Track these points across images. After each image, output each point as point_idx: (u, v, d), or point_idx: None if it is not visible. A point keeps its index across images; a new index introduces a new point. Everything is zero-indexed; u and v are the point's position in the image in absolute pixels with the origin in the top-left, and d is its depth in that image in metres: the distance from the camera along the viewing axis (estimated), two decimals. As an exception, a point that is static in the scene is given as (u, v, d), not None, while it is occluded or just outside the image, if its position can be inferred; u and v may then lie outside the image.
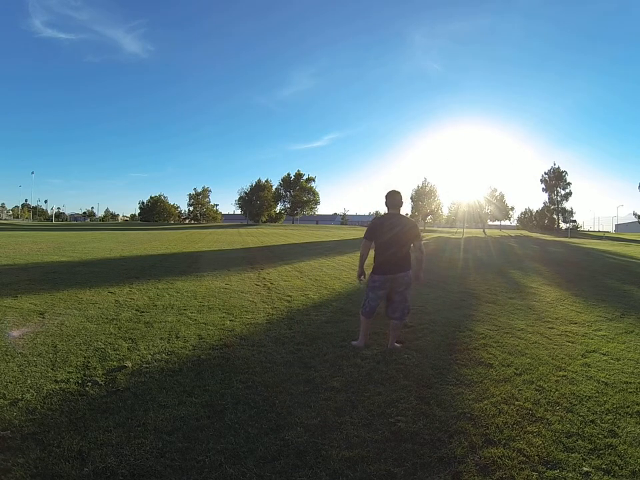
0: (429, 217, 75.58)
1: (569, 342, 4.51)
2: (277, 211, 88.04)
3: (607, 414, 2.78)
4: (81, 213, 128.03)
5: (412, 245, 3.79)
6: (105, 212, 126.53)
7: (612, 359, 3.97)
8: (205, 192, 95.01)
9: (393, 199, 3.85)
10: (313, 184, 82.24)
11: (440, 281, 8.93)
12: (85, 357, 3.55)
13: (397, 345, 4.05)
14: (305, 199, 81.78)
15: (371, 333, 4.50)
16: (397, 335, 3.98)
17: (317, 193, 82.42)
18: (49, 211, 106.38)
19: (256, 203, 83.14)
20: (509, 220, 76.47)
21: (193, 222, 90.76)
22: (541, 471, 2.12)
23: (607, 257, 18.09)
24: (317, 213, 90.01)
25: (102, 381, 3.07)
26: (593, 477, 2.09)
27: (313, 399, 2.86)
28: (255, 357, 3.70)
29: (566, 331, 4.97)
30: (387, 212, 3.95)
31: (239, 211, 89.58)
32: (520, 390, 3.14)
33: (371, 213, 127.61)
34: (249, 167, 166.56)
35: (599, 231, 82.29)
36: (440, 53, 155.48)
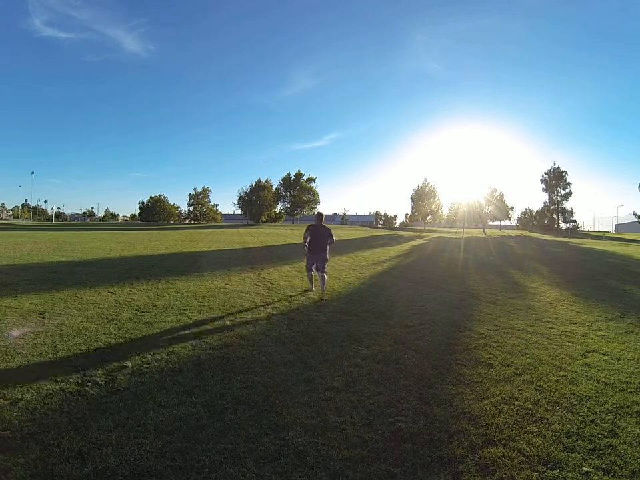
0: (429, 217, 75.60)
1: (569, 342, 4.51)
2: (277, 211, 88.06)
3: (607, 414, 2.78)
4: (81, 213, 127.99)
5: (328, 240, 6.84)
6: (104, 212, 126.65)
7: (612, 358, 3.98)
8: (205, 192, 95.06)
9: (318, 217, 7.07)
10: (313, 184, 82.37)
11: (440, 281, 8.93)
12: (85, 357, 3.55)
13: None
14: (305, 199, 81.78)
15: (370, 333, 4.56)
16: (324, 285, 6.68)
17: (317, 193, 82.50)
18: (48, 211, 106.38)
19: (256, 203, 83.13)
20: (509, 220, 76.52)
21: (192, 222, 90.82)
22: (541, 470, 2.13)
23: (607, 257, 18.09)
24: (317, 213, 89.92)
25: (102, 381, 3.07)
26: (593, 477, 2.09)
27: (313, 399, 2.86)
28: (254, 356, 3.70)
29: (566, 331, 4.97)
30: (315, 222, 6.97)
31: (238, 211, 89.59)
32: (520, 390, 3.14)
33: (371, 213, 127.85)
34: (249, 167, 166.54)
35: (598, 231, 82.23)
36: (441, 52, 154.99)
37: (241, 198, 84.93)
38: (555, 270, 11.99)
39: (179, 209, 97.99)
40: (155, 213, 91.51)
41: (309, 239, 6.81)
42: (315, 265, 6.83)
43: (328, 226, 7.03)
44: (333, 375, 3.30)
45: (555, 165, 71.11)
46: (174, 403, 2.72)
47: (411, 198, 73.68)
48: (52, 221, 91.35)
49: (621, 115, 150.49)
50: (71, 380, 3.06)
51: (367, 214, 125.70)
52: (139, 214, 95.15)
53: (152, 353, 3.69)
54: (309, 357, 3.72)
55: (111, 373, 3.23)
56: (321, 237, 6.77)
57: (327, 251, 6.85)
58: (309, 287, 7.18)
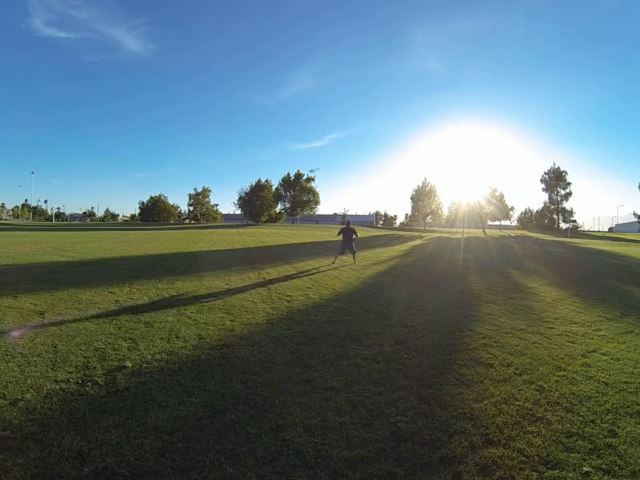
0: (429, 217, 75.59)
1: (569, 342, 4.51)
2: (277, 211, 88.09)
3: (607, 414, 2.78)
4: (81, 212, 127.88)
5: (353, 236, 11.87)
6: (105, 212, 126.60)
7: (612, 358, 3.98)
8: (205, 192, 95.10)
9: (347, 223, 12.26)
10: (312, 184, 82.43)
11: (440, 281, 8.93)
12: (85, 357, 3.56)
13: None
14: (305, 198, 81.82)
15: (370, 333, 4.57)
16: (355, 259, 12.04)
17: (317, 193, 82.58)
18: (48, 211, 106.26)
19: (256, 203, 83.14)
20: (509, 220, 76.50)
21: (192, 222, 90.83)
22: (541, 470, 2.12)
23: (607, 257, 18.09)
24: (316, 213, 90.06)
25: (102, 381, 3.07)
26: (593, 477, 2.09)
27: (313, 399, 2.86)
28: (255, 357, 3.70)
29: (566, 331, 4.97)
30: (345, 226, 12.09)
31: (238, 211, 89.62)
32: (520, 390, 3.14)
33: (371, 213, 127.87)
34: (249, 167, 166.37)
35: (598, 231, 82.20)
36: (442, 53, 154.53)
37: (241, 198, 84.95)
38: (554, 270, 11.99)
39: (179, 209, 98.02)
40: (155, 213, 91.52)
41: (341, 235, 11.83)
42: (346, 249, 11.74)
43: (352, 227, 12.25)
44: (332, 375, 3.30)
45: (554, 165, 71.27)
46: (174, 403, 2.72)
47: (411, 198, 73.73)
48: (52, 221, 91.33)
49: (620, 115, 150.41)
50: (70, 380, 3.06)
51: (367, 214, 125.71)
52: (139, 214, 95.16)
53: (152, 353, 3.69)
54: (309, 357, 3.72)
55: (111, 372, 3.23)
56: (348, 234, 11.74)
57: (353, 241, 11.83)
58: (333, 261, 11.91)
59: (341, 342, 4.22)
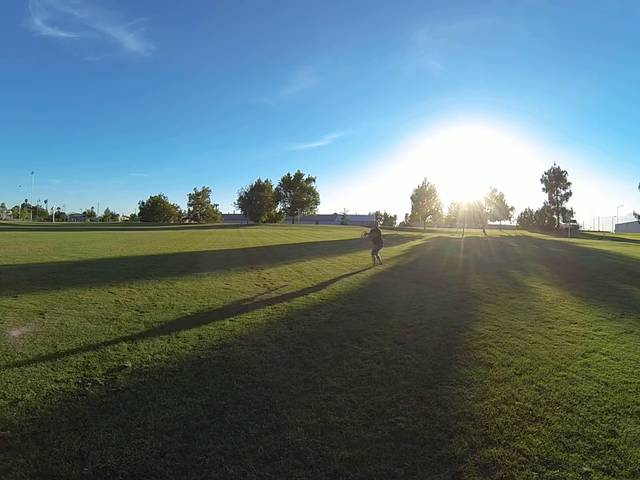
0: (429, 217, 75.57)
1: (569, 342, 4.51)
2: (277, 211, 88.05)
3: (607, 414, 2.78)
4: (81, 213, 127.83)
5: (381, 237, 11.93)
6: (105, 212, 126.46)
7: (612, 358, 3.98)
8: (205, 192, 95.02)
9: (374, 225, 13.45)
10: (313, 184, 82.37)
11: (440, 281, 8.93)
12: (84, 357, 3.56)
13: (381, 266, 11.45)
14: (305, 199, 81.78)
15: (370, 333, 4.57)
16: (379, 258, 11.59)
17: (317, 193, 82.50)
18: (49, 211, 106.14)
19: (256, 203, 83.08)
20: (509, 220, 76.40)
21: (192, 222, 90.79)
22: (540, 470, 2.12)
23: (607, 257, 18.09)
24: (317, 213, 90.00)
25: (102, 381, 3.07)
26: (593, 477, 2.09)
27: (313, 399, 2.86)
28: (255, 356, 3.70)
29: (566, 331, 4.97)
30: (374, 228, 12.15)
31: (238, 211, 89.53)
32: (520, 390, 3.14)
33: (371, 213, 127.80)
34: (249, 167, 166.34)
35: (598, 231, 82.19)
36: (442, 53, 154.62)
37: (241, 198, 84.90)
38: (554, 270, 11.98)
39: (178, 209, 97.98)
40: (155, 213, 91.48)
41: (368, 236, 12.00)
42: (377, 250, 11.65)
43: (380, 230, 12.40)
44: (333, 375, 3.30)
45: (555, 165, 71.02)
46: (174, 403, 2.72)
47: (411, 198, 73.70)
48: (52, 221, 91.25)
49: (620, 115, 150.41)
50: (70, 380, 3.06)
51: (366, 214, 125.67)
52: (139, 214, 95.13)
53: (152, 353, 3.69)
54: (309, 357, 3.72)
55: (111, 373, 3.23)
56: (378, 236, 11.77)
57: (383, 243, 12.15)
58: (373, 263, 11.48)
59: (340, 342, 4.22)
